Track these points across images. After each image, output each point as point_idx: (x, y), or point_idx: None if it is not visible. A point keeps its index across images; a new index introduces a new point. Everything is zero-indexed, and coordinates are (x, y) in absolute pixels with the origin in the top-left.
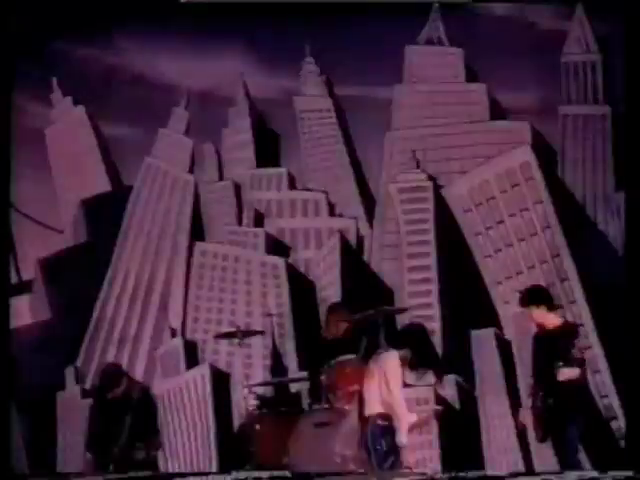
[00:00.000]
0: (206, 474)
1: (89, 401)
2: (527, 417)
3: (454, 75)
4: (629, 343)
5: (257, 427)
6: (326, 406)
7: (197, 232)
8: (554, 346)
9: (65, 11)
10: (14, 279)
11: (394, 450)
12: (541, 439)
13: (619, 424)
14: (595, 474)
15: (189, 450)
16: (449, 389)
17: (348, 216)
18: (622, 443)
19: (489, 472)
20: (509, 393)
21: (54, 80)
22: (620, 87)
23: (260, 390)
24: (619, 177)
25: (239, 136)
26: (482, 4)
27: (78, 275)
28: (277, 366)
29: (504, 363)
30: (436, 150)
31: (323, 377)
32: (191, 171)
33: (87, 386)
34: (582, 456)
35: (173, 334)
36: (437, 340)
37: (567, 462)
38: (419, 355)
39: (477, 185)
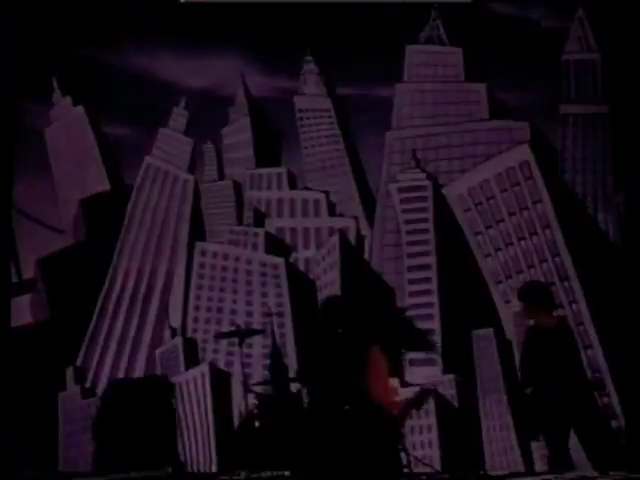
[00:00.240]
0: (206, 474)
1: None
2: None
3: (454, 75)
4: (629, 343)
5: (257, 427)
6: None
7: (197, 232)
8: (548, 344)
9: (65, 11)
10: (14, 279)
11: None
12: (529, 437)
13: (619, 424)
14: (595, 474)
15: (189, 450)
16: (449, 389)
17: (348, 216)
18: (622, 443)
19: (489, 472)
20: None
21: (54, 80)
22: (620, 87)
23: (260, 390)
24: (619, 177)
25: (239, 136)
26: (482, 4)
27: (78, 275)
28: (277, 366)
29: (504, 363)
30: (436, 150)
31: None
32: (191, 171)
33: (87, 385)
34: (581, 456)
35: (173, 334)
36: (437, 340)
37: (555, 462)
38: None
39: (477, 184)
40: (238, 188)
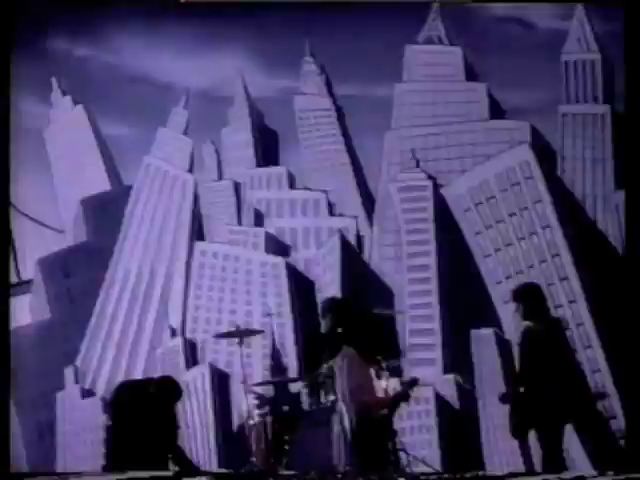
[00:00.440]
0: (206, 474)
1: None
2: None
3: (454, 74)
4: (629, 343)
5: (257, 427)
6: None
7: (197, 232)
8: (542, 344)
9: (65, 11)
10: (14, 279)
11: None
12: (518, 436)
13: (619, 424)
14: (595, 474)
15: (189, 450)
16: (449, 389)
17: (348, 216)
18: (622, 443)
19: (489, 472)
20: None
21: (54, 80)
22: (620, 87)
23: (260, 390)
24: (619, 177)
25: (239, 136)
26: (482, 4)
27: (78, 275)
28: (277, 366)
29: (504, 363)
30: (436, 150)
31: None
32: (191, 171)
33: (87, 386)
34: (581, 456)
35: (173, 334)
36: (437, 340)
37: (548, 461)
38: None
39: (477, 184)
40: (238, 188)
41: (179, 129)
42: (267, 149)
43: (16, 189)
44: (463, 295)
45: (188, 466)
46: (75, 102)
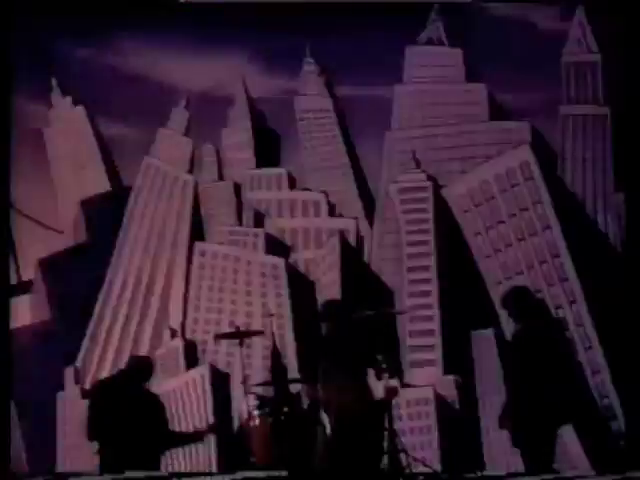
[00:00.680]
0: (206, 474)
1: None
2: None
3: (454, 75)
4: (629, 343)
5: (257, 427)
6: None
7: (197, 232)
8: (534, 346)
9: (65, 11)
10: (14, 279)
11: None
12: (513, 443)
13: (619, 424)
14: (594, 474)
15: (189, 450)
16: (449, 389)
17: (348, 216)
18: (622, 443)
19: (489, 472)
20: None
21: (54, 80)
22: (620, 87)
23: (260, 390)
24: (619, 177)
25: (239, 136)
26: (482, 4)
27: (78, 275)
28: (277, 366)
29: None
30: (436, 150)
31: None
32: (191, 171)
33: (87, 386)
34: (581, 456)
35: (173, 334)
36: (437, 341)
37: (538, 464)
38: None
39: (477, 185)
40: (238, 189)
41: (179, 129)
42: (267, 149)
43: (16, 189)
44: (463, 296)
45: (189, 435)
46: (75, 102)
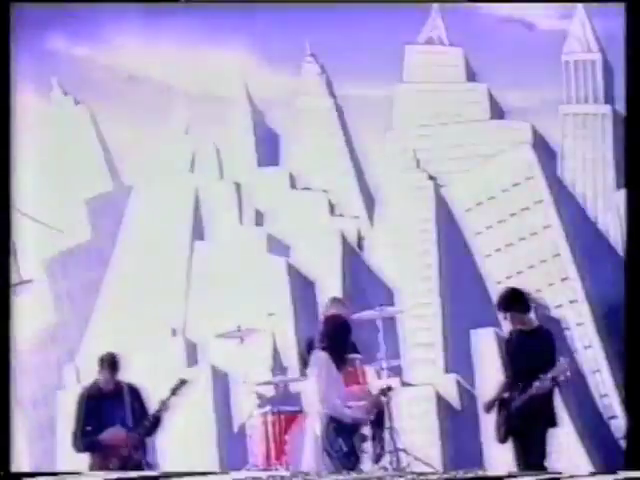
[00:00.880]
0: (206, 474)
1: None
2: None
3: (454, 75)
4: (629, 343)
5: (257, 427)
6: None
7: (197, 232)
8: (525, 348)
9: (65, 11)
10: (14, 279)
11: (354, 449)
12: (502, 440)
13: (619, 424)
14: (593, 474)
15: (189, 450)
16: (449, 388)
17: (348, 216)
18: (622, 443)
19: (489, 472)
20: None
21: (54, 80)
22: (620, 87)
23: (260, 390)
24: (619, 176)
25: (239, 136)
26: (482, 4)
27: (78, 275)
28: (277, 366)
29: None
30: (436, 150)
31: None
32: (191, 171)
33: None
34: (581, 456)
35: (173, 334)
36: (437, 340)
37: (529, 465)
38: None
39: (477, 184)
40: (238, 188)
41: (179, 129)
42: (267, 149)
43: (16, 189)
44: (463, 295)
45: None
46: (75, 102)
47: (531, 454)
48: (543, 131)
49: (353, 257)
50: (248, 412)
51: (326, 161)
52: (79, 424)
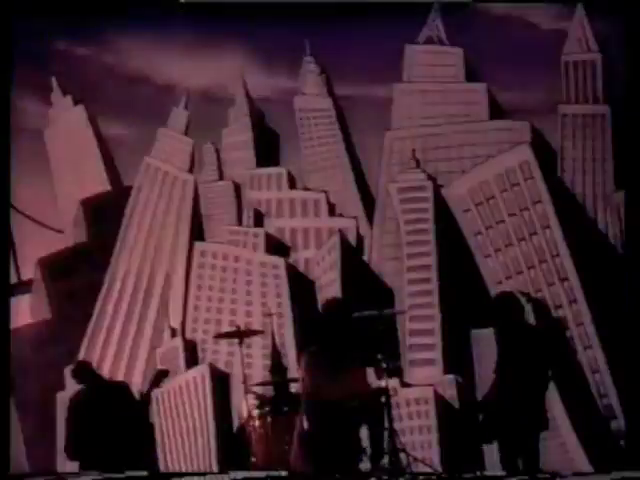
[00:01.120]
0: (206, 474)
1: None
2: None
3: (454, 75)
4: (629, 343)
5: (257, 427)
6: None
7: (197, 232)
8: (518, 349)
9: (65, 11)
10: (14, 279)
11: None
12: (485, 440)
13: (619, 424)
14: (593, 474)
15: (189, 450)
16: (449, 388)
17: (348, 216)
18: (622, 443)
19: (489, 472)
20: None
21: (54, 80)
22: (620, 87)
23: (260, 390)
24: (619, 177)
25: (239, 136)
26: (482, 4)
27: (78, 275)
28: (277, 366)
29: None
30: (436, 150)
31: None
32: (191, 171)
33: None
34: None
35: (173, 334)
36: (437, 340)
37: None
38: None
39: (477, 185)
40: (238, 188)
41: (179, 129)
42: (267, 149)
43: (16, 189)
44: (463, 295)
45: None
46: (75, 102)
47: (521, 457)
48: (543, 131)
49: (352, 257)
50: (247, 412)
51: (325, 161)
52: (71, 434)
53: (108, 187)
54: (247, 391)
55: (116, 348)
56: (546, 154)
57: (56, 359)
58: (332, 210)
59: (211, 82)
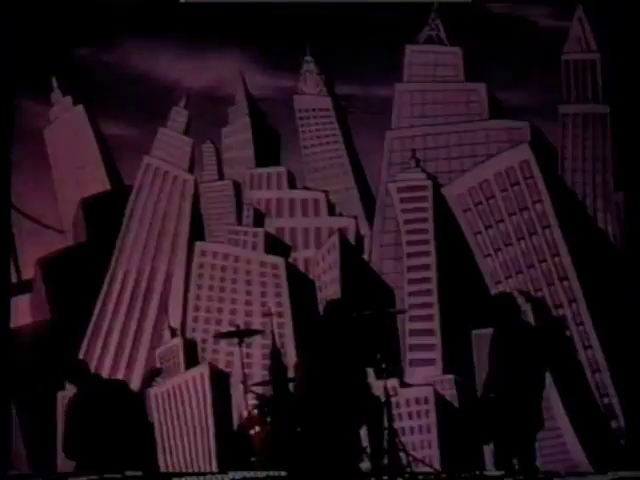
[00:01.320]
0: (206, 474)
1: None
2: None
3: (454, 75)
4: (629, 343)
5: (256, 427)
6: None
7: (197, 232)
8: (512, 349)
9: (65, 11)
10: (14, 279)
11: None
12: (482, 441)
13: (619, 424)
14: (593, 473)
15: (189, 450)
16: (449, 388)
17: (348, 216)
18: (622, 443)
19: (489, 472)
20: None
21: (54, 80)
22: (620, 87)
23: (260, 390)
24: (619, 177)
25: (239, 135)
26: (482, 4)
27: (78, 275)
28: (277, 366)
29: None
30: (436, 149)
31: None
32: (191, 171)
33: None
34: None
35: (173, 334)
36: (437, 340)
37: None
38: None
39: (477, 184)
40: (238, 188)
41: (179, 129)
42: (267, 149)
43: (16, 189)
44: (463, 295)
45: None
46: (75, 102)
47: (517, 457)
48: (542, 130)
49: (352, 257)
50: (247, 412)
51: (325, 161)
52: (69, 433)
53: (108, 187)
54: (247, 391)
55: (116, 348)
56: (546, 154)
57: (56, 359)
58: (332, 210)
59: (211, 82)
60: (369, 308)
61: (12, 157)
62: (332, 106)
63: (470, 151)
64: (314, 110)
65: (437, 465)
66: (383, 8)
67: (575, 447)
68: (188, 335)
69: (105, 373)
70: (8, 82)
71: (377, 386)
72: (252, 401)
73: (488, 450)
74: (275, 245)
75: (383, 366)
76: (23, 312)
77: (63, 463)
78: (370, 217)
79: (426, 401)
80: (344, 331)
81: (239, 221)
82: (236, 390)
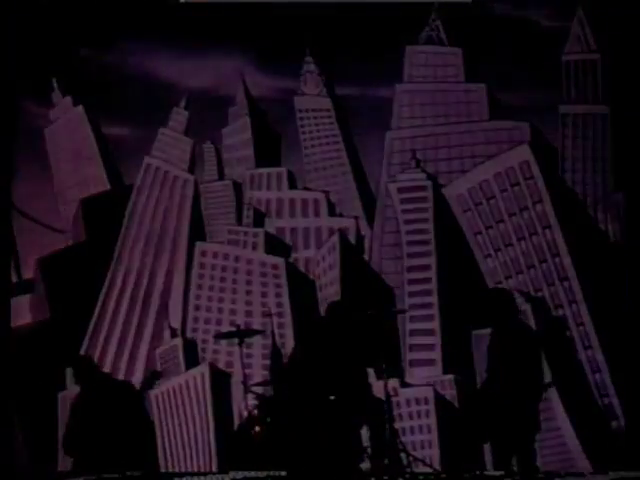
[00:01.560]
0: (205, 474)
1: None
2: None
3: (454, 75)
4: (629, 343)
5: (257, 427)
6: None
7: (197, 232)
8: (508, 349)
9: (65, 11)
10: (14, 279)
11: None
12: (480, 440)
13: (619, 424)
14: (594, 473)
15: (189, 450)
16: (449, 388)
17: (348, 216)
18: (622, 443)
19: (489, 472)
20: None
21: (54, 80)
22: (620, 87)
23: (260, 390)
24: (619, 177)
25: (239, 136)
26: (482, 4)
27: (78, 275)
28: (277, 366)
29: None
30: (436, 150)
31: None
32: (191, 171)
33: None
34: (581, 456)
35: (173, 334)
36: (437, 340)
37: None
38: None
39: (477, 185)
40: (238, 188)
41: (179, 129)
42: (267, 149)
43: (16, 189)
44: (463, 295)
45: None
46: (75, 103)
47: (516, 457)
48: (543, 131)
49: (353, 257)
50: (247, 412)
51: (325, 161)
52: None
53: (108, 187)
54: (247, 391)
55: (116, 348)
56: (546, 154)
57: (56, 359)
58: (332, 210)
59: (211, 82)
60: (369, 308)
61: (13, 157)
62: (332, 106)
63: (470, 151)
64: (314, 110)
65: (437, 465)
66: (383, 8)
67: (575, 447)
68: (188, 335)
69: (106, 372)
70: (9, 83)
71: (377, 386)
72: (252, 401)
73: (488, 450)
74: (275, 245)
75: (383, 366)
76: (23, 312)
77: (64, 463)
78: (370, 217)
79: (426, 401)
80: (345, 331)
81: (239, 221)
82: (236, 390)
